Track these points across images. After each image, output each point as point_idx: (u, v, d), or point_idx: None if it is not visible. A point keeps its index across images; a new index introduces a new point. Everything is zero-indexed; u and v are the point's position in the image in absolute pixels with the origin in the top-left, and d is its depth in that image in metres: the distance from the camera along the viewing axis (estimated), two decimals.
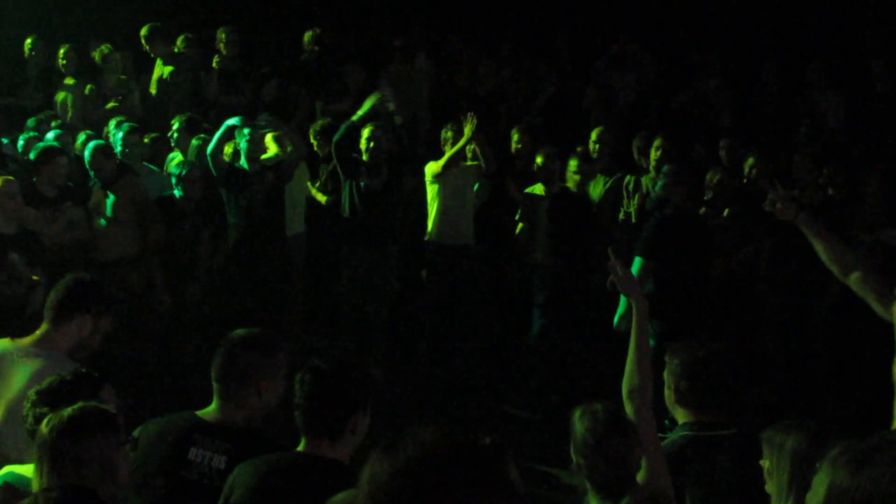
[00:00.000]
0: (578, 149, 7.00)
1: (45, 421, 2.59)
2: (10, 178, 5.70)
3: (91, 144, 6.65)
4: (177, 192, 6.65)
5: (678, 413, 3.34)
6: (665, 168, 6.17)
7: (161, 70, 8.45)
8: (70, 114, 8.08)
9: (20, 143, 7.15)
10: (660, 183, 6.10)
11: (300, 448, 2.81)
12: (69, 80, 8.30)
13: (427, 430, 1.64)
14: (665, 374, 3.33)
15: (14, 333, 3.66)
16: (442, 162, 6.89)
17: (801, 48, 8.67)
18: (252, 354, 3.03)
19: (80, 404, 2.64)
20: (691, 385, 3.27)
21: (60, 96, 8.23)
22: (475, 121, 6.72)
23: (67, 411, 2.59)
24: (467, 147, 6.90)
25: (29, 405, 2.90)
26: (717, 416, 3.29)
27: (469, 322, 7.20)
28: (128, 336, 6.16)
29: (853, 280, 3.58)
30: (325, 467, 2.75)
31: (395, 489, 1.56)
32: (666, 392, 3.34)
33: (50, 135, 7.14)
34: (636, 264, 5.66)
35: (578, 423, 2.86)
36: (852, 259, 3.66)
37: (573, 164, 6.77)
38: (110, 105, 8.19)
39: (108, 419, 2.64)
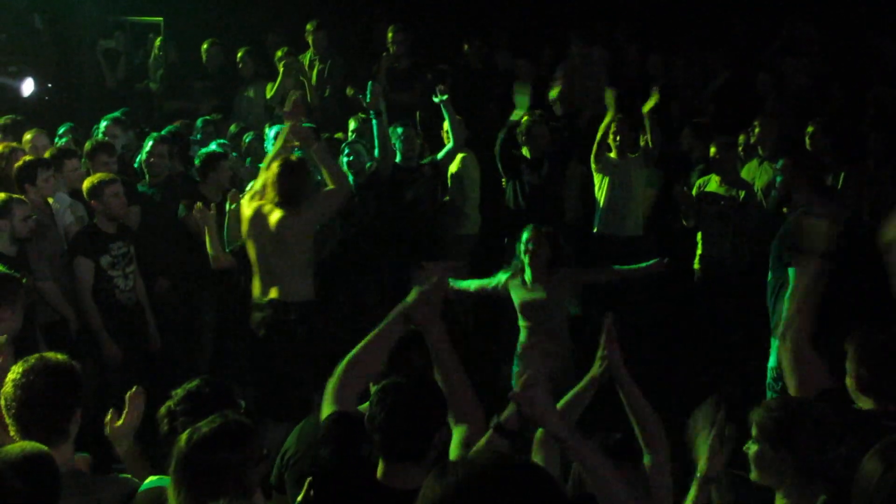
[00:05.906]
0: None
1: (184, 434, 2.51)
2: (115, 176, 5.69)
3: (246, 137, 6.83)
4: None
5: (862, 402, 3.13)
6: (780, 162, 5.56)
7: (319, 68, 8.61)
8: (250, 116, 8.33)
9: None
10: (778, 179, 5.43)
11: (379, 475, 2.69)
12: (248, 85, 8.55)
13: (482, 455, 1.69)
14: (847, 362, 3.13)
15: None
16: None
17: None
18: None
19: (217, 417, 2.54)
20: (871, 372, 3.06)
21: (242, 97, 8.51)
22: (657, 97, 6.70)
23: (205, 424, 2.50)
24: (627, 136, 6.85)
25: (165, 411, 2.92)
26: None
27: (635, 316, 7.04)
28: None
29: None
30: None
31: None
32: (847, 381, 3.14)
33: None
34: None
35: (759, 411, 2.75)
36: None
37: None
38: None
39: (246, 432, 2.53)
